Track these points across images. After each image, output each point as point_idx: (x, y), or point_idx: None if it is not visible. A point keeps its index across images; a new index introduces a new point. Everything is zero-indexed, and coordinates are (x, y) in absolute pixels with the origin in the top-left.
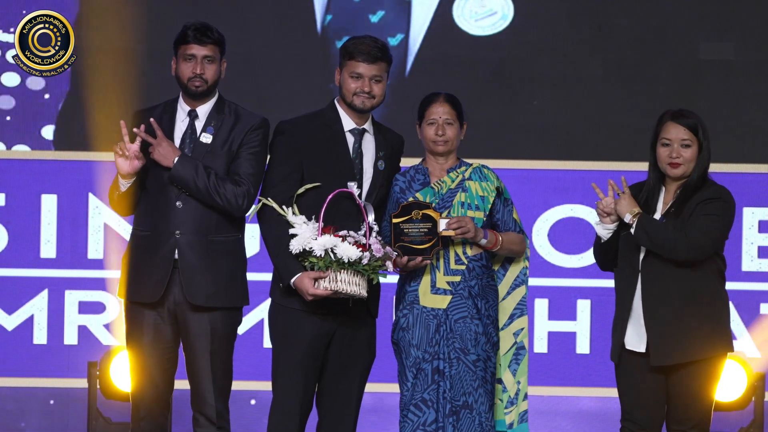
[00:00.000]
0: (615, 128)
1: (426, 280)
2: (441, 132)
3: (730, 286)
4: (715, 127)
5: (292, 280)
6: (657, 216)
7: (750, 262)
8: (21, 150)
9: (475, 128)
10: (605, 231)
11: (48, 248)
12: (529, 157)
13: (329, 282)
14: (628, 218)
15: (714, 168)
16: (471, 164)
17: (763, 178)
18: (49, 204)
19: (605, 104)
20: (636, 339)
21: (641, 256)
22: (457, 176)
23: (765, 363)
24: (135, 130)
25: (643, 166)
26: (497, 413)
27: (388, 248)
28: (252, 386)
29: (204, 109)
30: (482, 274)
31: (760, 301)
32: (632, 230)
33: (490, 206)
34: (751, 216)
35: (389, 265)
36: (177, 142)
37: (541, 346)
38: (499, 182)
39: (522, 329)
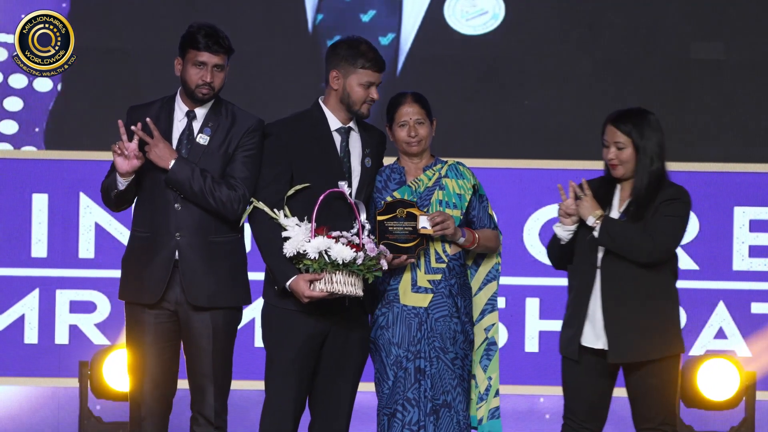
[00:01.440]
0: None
1: (407, 278)
2: (413, 133)
3: (721, 285)
4: (705, 127)
5: (288, 283)
6: (614, 213)
7: (741, 261)
8: (10, 149)
9: (465, 127)
10: (566, 232)
11: (39, 248)
12: (520, 156)
13: (325, 284)
14: (591, 221)
15: (704, 167)
16: (446, 161)
17: (753, 178)
18: (39, 203)
19: (596, 104)
20: (593, 336)
21: (600, 254)
22: (434, 174)
23: (756, 362)
24: (132, 128)
25: None
26: (471, 408)
27: (381, 246)
28: (243, 386)
29: (202, 111)
30: (461, 273)
31: (751, 301)
32: (596, 233)
33: (467, 204)
34: (742, 215)
35: (383, 263)
36: (174, 142)
37: (532, 345)
38: (474, 179)
39: (493, 325)
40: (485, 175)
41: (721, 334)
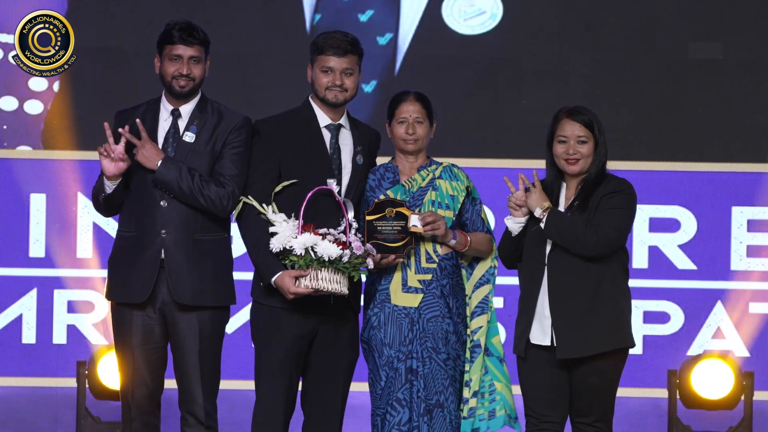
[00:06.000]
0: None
1: (397, 278)
2: (411, 131)
3: (719, 285)
4: (703, 127)
5: (273, 279)
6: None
7: (739, 261)
8: (9, 149)
9: (463, 127)
10: (516, 225)
11: (37, 247)
12: (517, 156)
13: (310, 280)
14: (538, 212)
15: (702, 167)
16: (441, 163)
17: (751, 177)
18: (37, 203)
19: (594, 104)
20: (540, 333)
21: (548, 250)
22: (428, 174)
23: (754, 362)
24: (120, 130)
25: (632, 165)
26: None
27: (368, 245)
28: (240, 386)
29: (187, 109)
30: (453, 273)
31: (748, 300)
32: (542, 224)
33: (459, 206)
34: (739, 215)
35: (369, 262)
36: (160, 141)
37: None
38: (468, 181)
39: (480, 327)
40: (482, 174)
41: (719, 334)
